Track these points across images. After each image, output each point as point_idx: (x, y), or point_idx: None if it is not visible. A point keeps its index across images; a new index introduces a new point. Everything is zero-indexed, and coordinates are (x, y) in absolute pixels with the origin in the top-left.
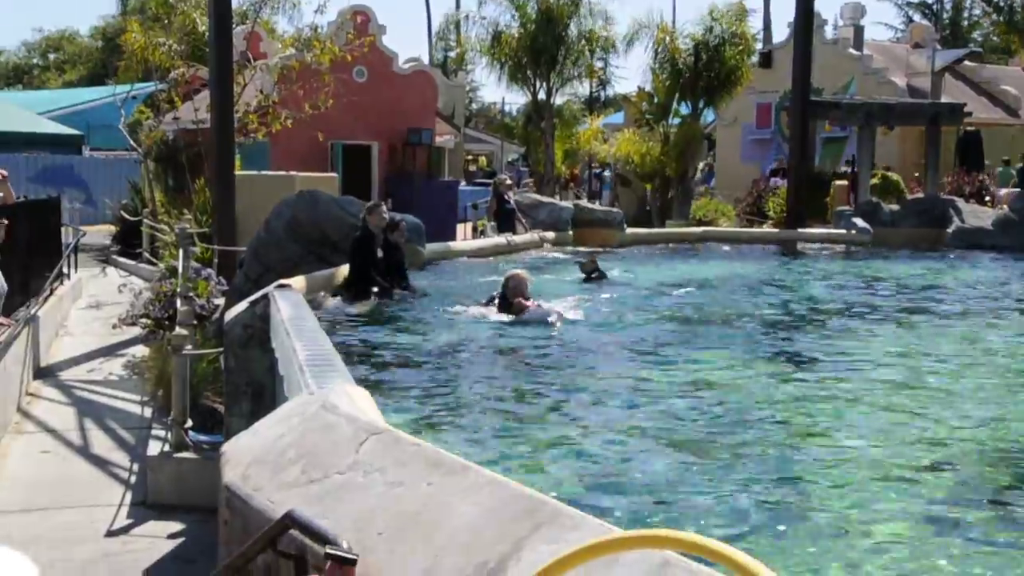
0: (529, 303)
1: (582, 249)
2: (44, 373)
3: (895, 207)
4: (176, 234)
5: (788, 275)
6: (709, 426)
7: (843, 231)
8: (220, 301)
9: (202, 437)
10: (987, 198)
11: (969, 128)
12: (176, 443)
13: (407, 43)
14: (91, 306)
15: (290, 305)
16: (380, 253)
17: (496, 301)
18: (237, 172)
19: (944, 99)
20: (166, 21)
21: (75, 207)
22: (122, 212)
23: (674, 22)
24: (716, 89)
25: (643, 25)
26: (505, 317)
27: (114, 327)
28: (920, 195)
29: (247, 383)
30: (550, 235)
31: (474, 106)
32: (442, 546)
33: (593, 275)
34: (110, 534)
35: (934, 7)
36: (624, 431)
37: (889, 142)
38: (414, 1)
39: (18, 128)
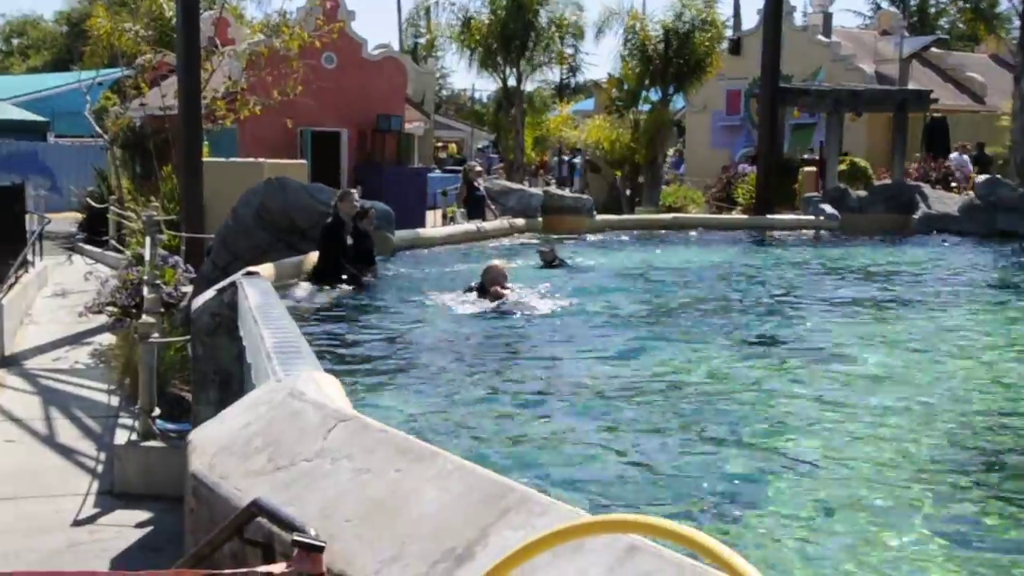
0: (507, 293)
1: (553, 236)
2: (9, 362)
3: (862, 193)
4: (143, 221)
5: (755, 261)
6: (672, 410)
7: (811, 217)
8: (188, 289)
9: (169, 425)
10: (953, 184)
11: (936, 115)
12: (143, 432)
13: (377, 29)
14: (57, 294)
15: (258, 293)
16: (350, 240)
17: (475, 291)
18: (205, 159)
19: (911, 86)
20: (132, 6)
21: (40, 194)
22: (88, 199)
23: (644, 9)
24: (686, 76)
25: (613, 12)
26: (481, 307)
27: (80, 315)
28: (887, 181)
29: (215, 371)
30: (520, 222)
31: (444, 93)
32: (409, 532)
33: (553, 263)
34: (76, 524)
35: None
36: (590, 419)
37: (858, 129)
38: None
39: None
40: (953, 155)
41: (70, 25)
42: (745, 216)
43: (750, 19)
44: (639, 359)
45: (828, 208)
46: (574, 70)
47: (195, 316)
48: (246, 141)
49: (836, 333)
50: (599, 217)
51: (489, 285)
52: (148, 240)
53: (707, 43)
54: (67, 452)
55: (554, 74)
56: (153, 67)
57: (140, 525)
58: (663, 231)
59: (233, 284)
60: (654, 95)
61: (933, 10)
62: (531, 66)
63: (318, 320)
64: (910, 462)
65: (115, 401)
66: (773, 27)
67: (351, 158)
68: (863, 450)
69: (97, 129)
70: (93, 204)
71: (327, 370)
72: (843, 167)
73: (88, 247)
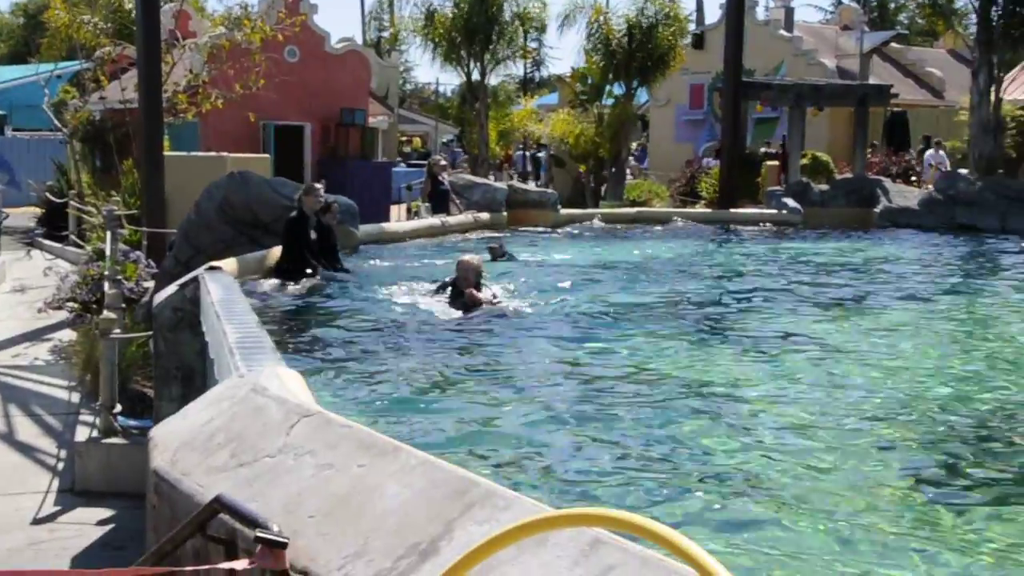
0: (481, 294)
1: (520, 230)
2: None
3: (824, 187)
4: (104, 216)
5: (717, 255)
6: (635, 406)
7: (774, 211)
8: (149, 284)
9: (131, 422)
10: (913, 178)
11: (896, 109)
12: (104, 428)
13: (340, 23)
14: (16, 290)
15: (220, 288)
16: (313, 235)
17: (448, 289)
18: (166, 153)
19: (872, 81)
20: None
21: None
22: (47, 194)
23: (608, 3)
24: (649, 70)
25: (577, 6)
26: (454, 313)
27: (40, 311)
28: (849, 175)
29: (177, 367)
30: (484, 216)
31: (408, 86)
32: (373, 528)
33: (501, 257)
34: (36, 522)
35: None
36: (554, 414)
37: (819, 123)
38: None
39: None
40: (929, 152)
41: (27, 17)
42: (708, 210)
43: (713, 13)
44: (606, 354)
45: (791, 202)
46: (538, 64)
47: (157, 311)
48: (208, 135)
49: (800, 324)
50: (563, 211)
51: (462, 284)
52: (109, 235)
53: (670, 37)
54: (26, 450)
55: (518, 68)
56: (113, 60)
57: (101, 523)
58: (625, 226)
59: (195, 279)
60: (618, 89)
61: (893, 5)
62: (495, 60)
63: (281, 315)
64: (881, 453)
65: (76, 398)
66: (736, 21)
67: (315, 152)
68: (839, 440)
69: (56, 123)
70: (52, 199)
71: (290, 365)
72: (805, 161)
73: (47, 242)
